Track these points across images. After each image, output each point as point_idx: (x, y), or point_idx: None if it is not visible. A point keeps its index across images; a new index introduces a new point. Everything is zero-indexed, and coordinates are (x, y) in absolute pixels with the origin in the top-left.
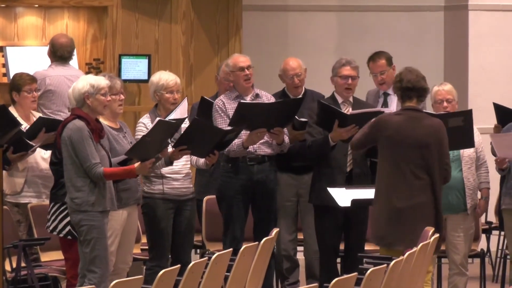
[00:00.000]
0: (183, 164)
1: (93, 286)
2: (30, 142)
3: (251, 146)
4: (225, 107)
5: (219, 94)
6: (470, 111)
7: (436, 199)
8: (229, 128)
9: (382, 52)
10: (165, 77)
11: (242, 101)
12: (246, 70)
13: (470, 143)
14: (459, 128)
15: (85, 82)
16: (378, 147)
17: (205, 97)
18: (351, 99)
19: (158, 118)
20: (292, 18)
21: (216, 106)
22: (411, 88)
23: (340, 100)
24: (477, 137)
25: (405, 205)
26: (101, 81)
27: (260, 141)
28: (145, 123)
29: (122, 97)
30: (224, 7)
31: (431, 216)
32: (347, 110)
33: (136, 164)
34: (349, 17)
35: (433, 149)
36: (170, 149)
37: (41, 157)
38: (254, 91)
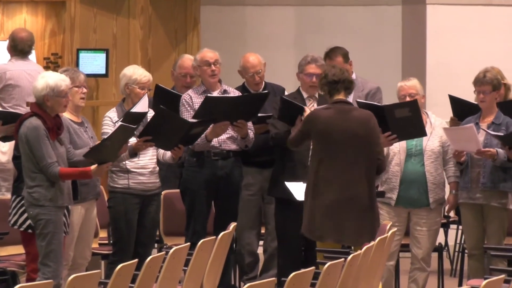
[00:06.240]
0: (149, 159)
1: (51, 281)
2: None
3: (216, 141)
4: (192, 102)
5: (176, 89)
6: (416, 101)
7: (370, 191)
8: (195, 120)
9: (338, 48)
10: (139, 72)
11: (209, 95)
12: (212, 65)
13: (421, 132)
14: (408, 118)
15: (45, 84)
16: (312, 142)
17: (159, 84)
18: (316, 94)
19: (120, 123)
20: (249, 13)
21: (183, 100)
22: (337, 80)
23: (305, 95)
24: None
25: (338, 197)
26: (61, 82)
27: (226, 136)
28: (111, 117)
29: (85, 90)
30: (182, 2)
31: (365, 207)
32: (312, 105)
33: (93, 167)
34: (307, 11)
35: (364, 140)
36: (134, 140)
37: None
38: (222, 87)
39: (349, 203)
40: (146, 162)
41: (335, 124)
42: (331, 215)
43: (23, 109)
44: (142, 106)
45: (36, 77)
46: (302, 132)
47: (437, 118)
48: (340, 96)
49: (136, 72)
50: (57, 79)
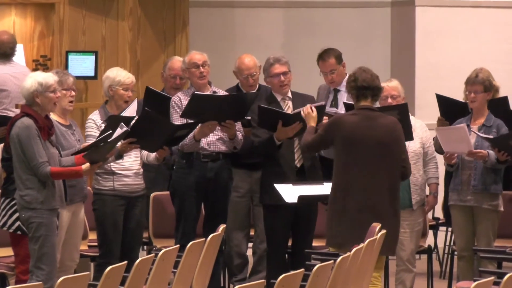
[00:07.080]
0: (133, 160)
1: (41, 283)
2: None
3: (205, 142)
4: (181, 103)
5: (165, 91)
6: (405, 105)
7: (393, 198)
8: (181, 123)
9: (331, 50)
10: (122, 74)
11: (196, 92)
12: (200, 67)
13: (408, 136)
14: None
15: (34, 80)
16: (334, 148)
17: (150, 87)
18: (289, 94)
19: (125, 128)
20: (239, 15)
21: (173, 102)
22: (367, 87)
23: (279, 97)
24: (425, 132)
25: (359, 205)
26: (49, 78)
27: (215, 138)
28: (95, 120)
29: (73, 93)
30: (170, 4)
31: (387, 215)
32: (287, 105)
33: (84, 166)
34: (296, 13)
35: (390, 148)
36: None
37: None
38: (211, 88)
39: (370, 211)
40: (130, 163)
41: (360, 131)
42: (351, 223)
43: (12, 113)
44: (131, 111)
45: (22, 79)
46: (323, 137)
47: (417, 120)
48: (367, 103)
49: (119, 74)
50: (45, 75)
